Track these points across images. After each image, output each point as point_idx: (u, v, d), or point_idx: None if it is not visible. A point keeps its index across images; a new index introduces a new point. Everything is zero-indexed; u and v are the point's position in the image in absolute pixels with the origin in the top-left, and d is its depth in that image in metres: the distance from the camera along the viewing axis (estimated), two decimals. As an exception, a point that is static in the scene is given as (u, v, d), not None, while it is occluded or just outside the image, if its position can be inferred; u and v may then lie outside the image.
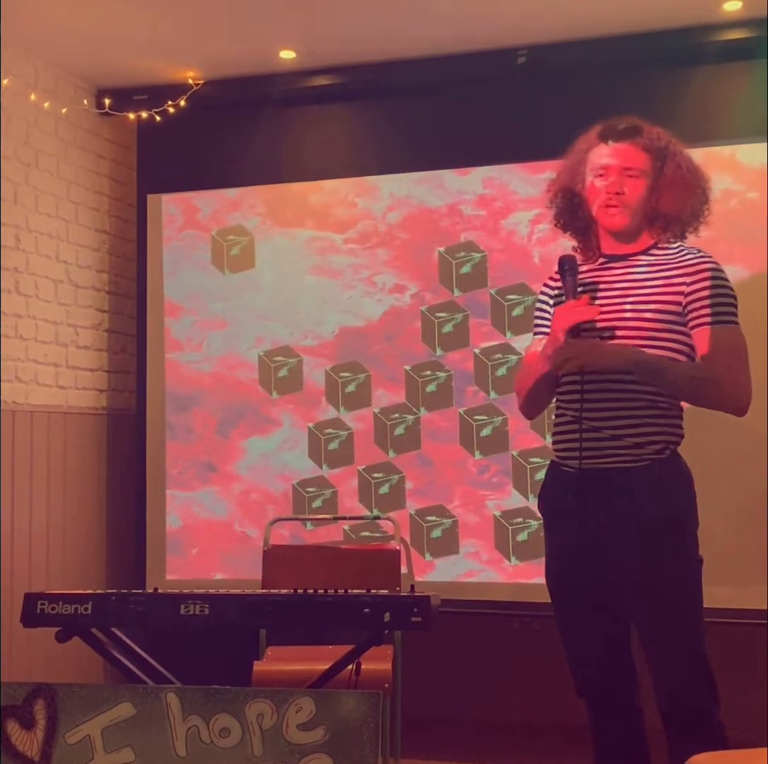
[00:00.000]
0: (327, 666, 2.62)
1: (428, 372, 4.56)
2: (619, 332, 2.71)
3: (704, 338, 2.67)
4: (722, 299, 2.69)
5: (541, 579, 2.89)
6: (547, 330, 2.80)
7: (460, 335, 4.52)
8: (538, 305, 2.95)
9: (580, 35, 4.31)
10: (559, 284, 2.86)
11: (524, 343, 3.97)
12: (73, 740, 2.34)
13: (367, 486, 4.59)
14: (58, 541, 4.58)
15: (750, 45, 4.17)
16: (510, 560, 4.40)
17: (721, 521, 3.92)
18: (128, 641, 2.76)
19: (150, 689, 2.39)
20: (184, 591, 2.62)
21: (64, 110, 4.67)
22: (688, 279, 2.70)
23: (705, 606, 2.69)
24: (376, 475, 4.58)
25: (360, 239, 4.67)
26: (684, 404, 2.77)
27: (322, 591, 2.58)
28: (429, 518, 4.51)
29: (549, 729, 4.21)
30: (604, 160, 2.75)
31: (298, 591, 2.60)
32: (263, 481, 4.71)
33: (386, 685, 3.50)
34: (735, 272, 2.80)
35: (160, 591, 2.69)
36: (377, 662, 3.44)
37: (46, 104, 4.56)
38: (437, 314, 4.56)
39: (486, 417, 4.47)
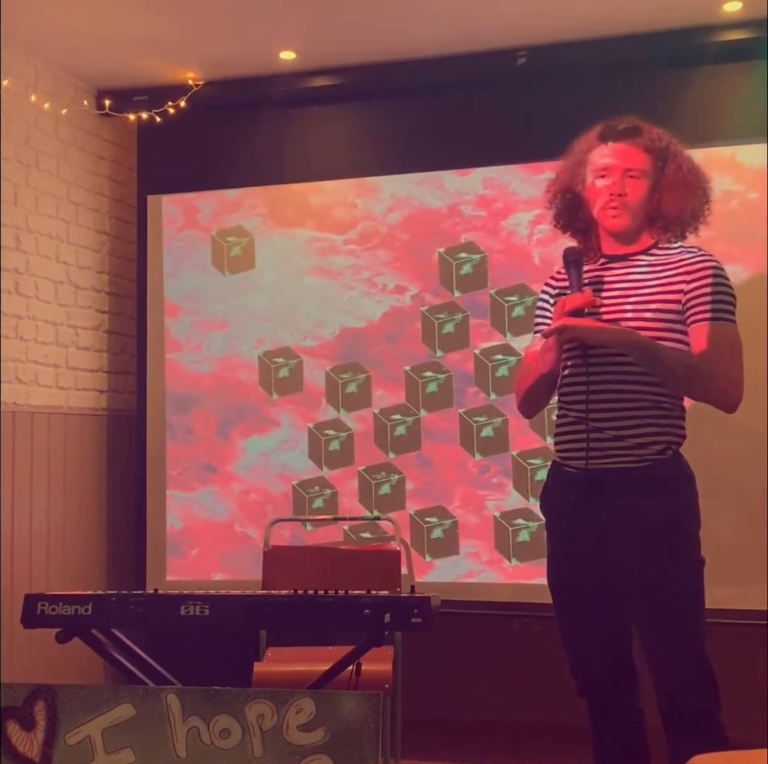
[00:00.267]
0: (327, 667, 2.62)
1: (428, 373, 4.56)
2: (619, 331, 2.71)
3: (702, 333, 2.66)
4: (721, 297, 2.69)
5: (541, 580, 2.89)
6: (548, 330, 2.80)
7: (460, 335, 4.52)
8: (539, 304, 2.95)
9: (580, 36, 4.31)
10: (560, 283, 2.87)
11: (524, 344, 3.97)
12: (73, 741, 2.34)
13: (367, 487, 4.59)
14: (58, 542, 4.58)
15: (750, 46, 4.17)
16: (510, 561, 4.40)
17: (722, 521, 3.92)
18: (128, 642, 2.76)
19: (150, 690, 2.39)
20: (185, 591, 2.62)
21: (64, 111, 4.67)
22: (687, 277, 2.70)
23: (706, 606, 2.69)
24: (376, 476, 4.58)
25: (360, 240, 4.67)
26: (686, 404, 2.77)
27: (323, 591, 2.58)
28: (429, 518, 4.51)
29: (549, 729, 4.21)
30: (604, 160, 2.75)
31: (298, 591, 2.60)
32: (263, 482, 4.71)
33: (386, 686, 3.49)
34: (735, 273, 2.80)
35: (160, 591, 2.69)
36: (377, 663, 3.43)
37: (46, 105, 4.56)
38: (437, 315, 4.56)
39: (486, 418, 4.47)
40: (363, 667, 2.77)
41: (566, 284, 2.81)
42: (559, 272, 2.91)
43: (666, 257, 2.76)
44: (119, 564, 4.92)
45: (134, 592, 2.66)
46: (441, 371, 4.54)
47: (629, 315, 2.71)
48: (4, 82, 4.33)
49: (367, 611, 2.46)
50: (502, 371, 4.44)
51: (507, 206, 4.50)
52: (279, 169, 4.79)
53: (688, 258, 2.74)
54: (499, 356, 4.46)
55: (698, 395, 2.73)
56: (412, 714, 3.95)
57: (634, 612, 2.71)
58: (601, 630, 2.74)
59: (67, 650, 2.69)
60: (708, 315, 2.67)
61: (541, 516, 2.88)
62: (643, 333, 2.68)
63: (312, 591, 2.58)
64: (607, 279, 2.78)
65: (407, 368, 4.58)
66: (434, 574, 4.47)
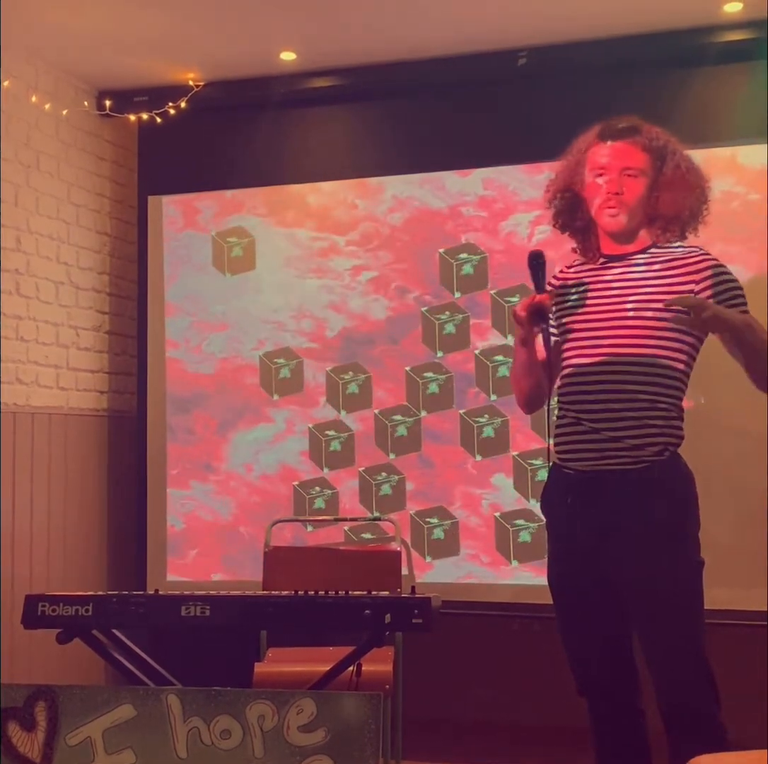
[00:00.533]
0: (328, 668, 2.62)
1: (429, 374, 4.56)
2: (619, 331, 2.71)
3: None
4: (738, 292, 2.71)
5: (541, 581, 2.89)
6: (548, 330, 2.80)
7: (460, 336, 4.52)
8: None
9: (581, 37, 4.31)
10: (558, 283, 2.87)
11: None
12: (73, 742, 2.34)
13: (367, 488, 4.59)
14: (58, 542, 4.58)
15: (750, 46, 4.17)
16: (510, 562, 4.40)
17: (721, 522, 3.92)
18: (129, 642, 2.76)
19: (151, 690, 2.39)
20: (185, 592, 2.62)
21: (64, 112, 4.68)
22: (696, 277, 2.69)
23: (705, 607, 2.69)
24: (376, 476, 4.58)
25: (361, 241, 4.67)
26: (685, 405, 2.77)
27: (323, 592, 2.58)
28: (430, 519, 4.51)
29: (550, 730, 4.21)
30: (602, 159, 2.75)
31: (299, 592, 2.60)
32: (264, 482, 4.71)
33: (387, 686, 3.49)
34: (736, 273, 2.79)
35: (160, 592, 2.69)
36: (378, 663, 3.43)
37: (47, 106, 4.57)
38: (438, 316, 4.56)
39: (487, 419, 4.47)
40: (363, 668, 2.77)
41: (567, 283, 2.82)
42: (560, 272, 2.91)
43: (666, 256, 2.76)
44: (120, 565, 4.92)
45: (135, 593, 2.66)
46: (441, 371, 4.54)
47: (630, 314, 2.70)
48: (5, 83, 4.33)
49: (367, 611, 2.46)
50: (503, 371, 4.44)
51: (507, 206, 4.50)
52: (279, 170, 4.80)
53: (691, 258, 2.73)
54: (500, 357, 4.46)
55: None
56: (413, 714, 3.95)
57: (633, 612, 2.71)
58: (601, 631, 2.74)
59: (67, 650, 2.69)
60: (741, 309, 2.68)
61: (542, 517, 2.88)
62: (643, 331, 2.68)
63: (312, 592, 2.58)
64: (606, 279, 2.78)
65: (408, 368, 4.58)
66: (435, 575, 4.47)
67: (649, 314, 2.69)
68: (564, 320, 2.80)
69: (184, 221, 4.90)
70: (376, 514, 4.53)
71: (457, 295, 4.54)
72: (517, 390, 2.93)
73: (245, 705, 2.28)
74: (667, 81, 4.29)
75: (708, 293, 2.68)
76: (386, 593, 2.56)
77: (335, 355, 4.67)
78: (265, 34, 4.33)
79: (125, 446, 4.99)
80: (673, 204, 2.73)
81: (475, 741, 4.34)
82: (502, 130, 4.49)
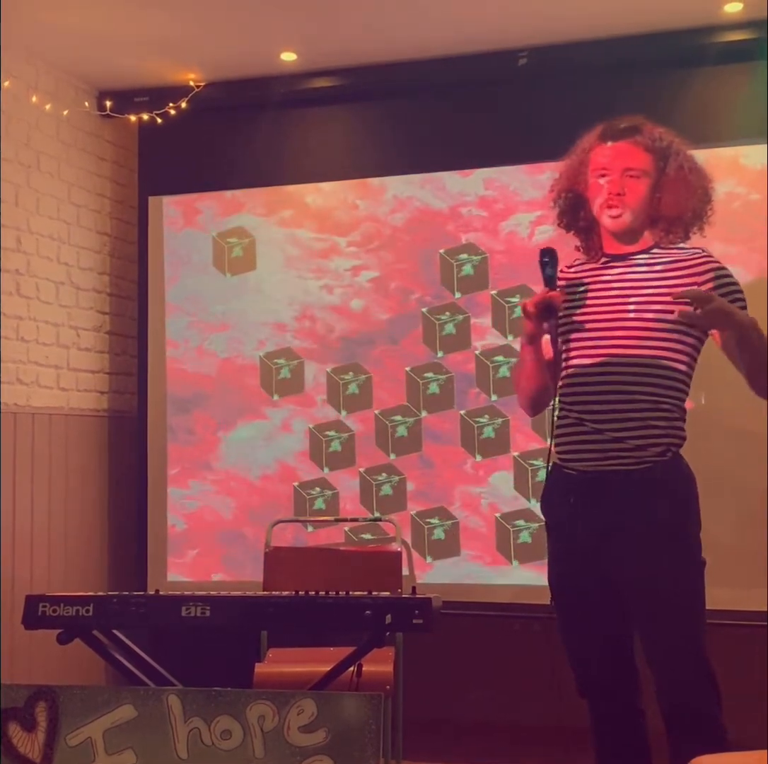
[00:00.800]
0: (328, 668, 2.62)
1: (429, 374, 4.56)
2: (620, 331, 2.70)
3: None
4: (737, 296, 2.70)
5: (542, 581, 2.89)
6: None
7: (461, 336, 4.52)
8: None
9: (581, 37, 4.31)
10: (562, 283, 2.87)
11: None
12: (74, 742, 2.34)
13: (368, 488, 4.59)
14: (59, 543, 4.58)
15: (751, 46, 4.17)
16: (511, 562, 4.40)
17: (722, 522, 3.91)
18: (129, 643, 2.76)
19: (151, 691, 2.39)
20: (186, 592, 2.63)
21: (65, 112, 4.68)
22: (698, 279, 2.69)
23: (706, 607, 2.69)
24: (377, 477, 4.58)
25: (361, 241, 4.67)
26: (688, 405, 2.77)
27: (324, 592, 2.58)
28: (430, 519, 4.51)
29: (550, 730, 4.20)
30: (604, 160, 2.74)
31: (300, 592, 2.60)
32: (264, 483, 4.71)
33: (387, 687, 3.49)
34: (736, 274, 2.79)
35: (161, 592, 2.69)
36: (378, 664, 3.44)
37: (47, 106, 4.57)
38: (438, 316, 4.56)
39: (487, 419, 4.47)
40: (364, 668, 2.78)
41: (568, 283, 2.82)
42: (561, 271, 2.91)
43: (668, 257, 2.75)
44: (120, 565, 4.92)
45: (135, 593, 2.66)
46: (442, 372, 4.54)
47: (631, 315, 2.70)
48: (5, 84, 4.33)
49: (368, 612, 2.46)
50: (503, 371, 4.44)
51: (508, 206, 4.50)
52: (280, 170, 4.80)
53: (694, 260, 2.73)
54: (500, 357, 4.46)
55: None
56: (413, 714, 3.95)
57: (634, 613, 2.71)
58: (601, 631, 2.74)
59: (68, 651, 2.69)
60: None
61: (542, 517, 2.88)
62: (644, 332, 2.67)
63: (313, 592, 2.58)
64: (607, 278, 2.78)
65: (408, 369, 4.58)
66: (435, 575, 4.47)
67: (651, 314, 2.69)
68: (564, 319, 2.80)
69: (184, 221, 4.90)
70: (377, 514, 4.53)
71: (458, 295, 4.54)
72: (521, 392, 2.90)
73: (246, 705, 2.28)
74: (668, 81, 4.29)
75: (717, 293, 2.68)
76: (387, 593, 2.56)
77: (336, 355, 4.67)
78: (265, 35, 4.33)
79: (126, 446, 4.99)
80: (675, 205, 2.73)
81: (475, 741, 4.34)
82: (502, 130, 4.49)
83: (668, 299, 2.68)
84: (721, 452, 3.98)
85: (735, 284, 2.72)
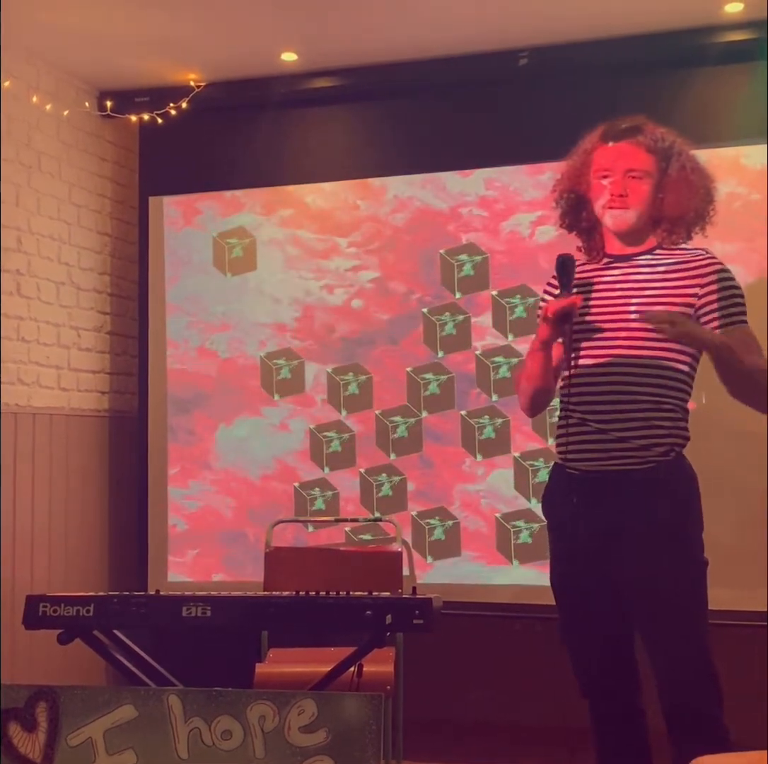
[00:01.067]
0: (329, 668, 2.62)
1: (429, 374, 4.56)
2: (623, 332, 2.71)
3: (738, 338, 2.66)
4: (737, 300, 2.70)
5: (542, 581, 2.89)
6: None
7: (461, 336, 4.52)
8: (541, 305, 2.94)
9: (582, 37, 4.31)
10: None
11: (526, 345, 3.97)
12: (75, 742, 2.34)
13: (368, 488, 4.59)
14: (60, 543, 4.58)
15: (751, 47, 4.17)
16: (511, 563, 4.40)
17: (722, 522, 3.91)
18: (130, 643, 2.76)
19: (152, 691, 2.39)
20: (186, 592, 2.63)
21: (65, 113, 4.68)
22: (701, 281, 2.69)
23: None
24: (377, 477, 4.58)
25: (362, 242, 4.67)
26: (690, 406, 2.77)
27: (324, 593, 2.58)
28: (430, 520, 4.51)
29: (550, 730, 4.20)
30: (606, 161, 2.74)
31: (300, 592, 2.60)
32: (264, 483, 4.71)
33: (388, 687, 3.49)
34: (737, 274, 2.79)
35: (161, 592, 2.69)
36: (379, 664, 3.43)
37: (48, 107, 4.57)
38: (438, 316, 4.56)
39: (487, 419, 4.47)
40: (364, 668, 2.77)
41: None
42: (555, 270, 2.91)
43: (670, 258, 2.75)
44: (121, 565, 4.92)
45: (136, 593, 2.66)
46: (442, 372, 4.54)
47: (633, 316, 2.70)
48: (6, 84, 4.33)
49: (368, 612, 2.46)
50: (504, 372, 4.44)
51: (508, 206, 4.50)
52: (280, 171, 4.80)
53: (697, 261, 2.73)
54: (501, 358, 4.46)
55: (758, 400, 2.69)
56: (414, 714, 3.95)
57: (636, 613, 2.71)
58: (603, 631, 2.74)
59: (68, 651, 2.69)
60: (739, 318, 2.68)
61: (543, 518, 2.88)
62: (646, 333, 2.67)
63: (313, 592, 2.58)
64: (609, 279, 2.78)
65: (408, 369, 4.58)
66: (435, 575, 4.47)
67: (652, 314, 2.69)
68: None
69: (184, 221, 4.90)
70: (377, 515, 4.53)
71: (458, 295, 4.54)
72: (523, 393, 2.89)
73: (246, 705, 2.28)
74: (668, 81, 4.29)
75: (712, 296, 2.68)
76: (387, 593, 2.56)
77: (336, 355, 4.67)
78: (265, 35, 4.33)
79: (126, 446, 4.99)
80: (678, 205, 2.73)
81: (475, 741, 4.34)
82: (503, 130, 4.49)
83: (675, 301, 2.68)
84: (721, 452, 3.98)
85: (737, 288, 2.72)
